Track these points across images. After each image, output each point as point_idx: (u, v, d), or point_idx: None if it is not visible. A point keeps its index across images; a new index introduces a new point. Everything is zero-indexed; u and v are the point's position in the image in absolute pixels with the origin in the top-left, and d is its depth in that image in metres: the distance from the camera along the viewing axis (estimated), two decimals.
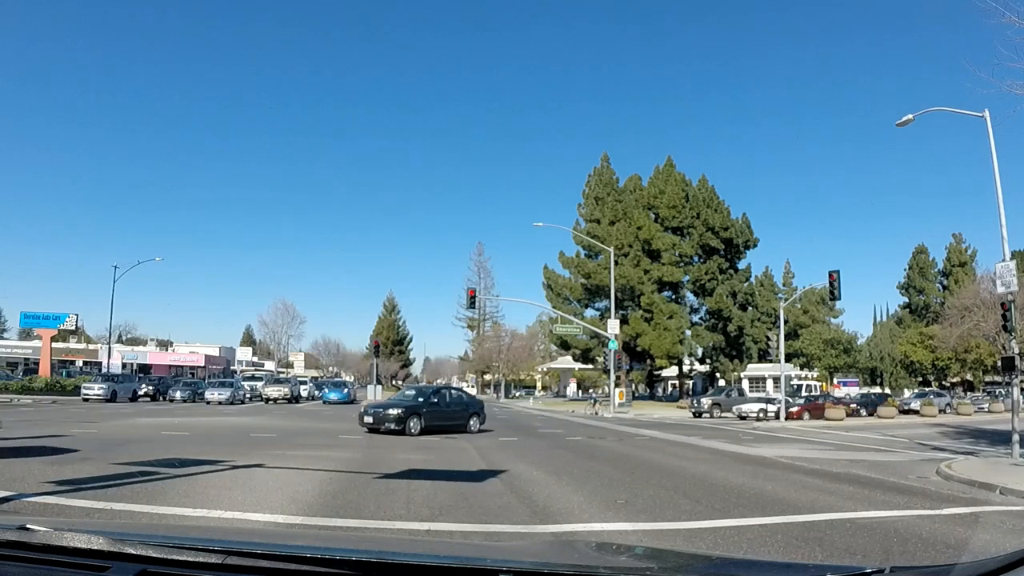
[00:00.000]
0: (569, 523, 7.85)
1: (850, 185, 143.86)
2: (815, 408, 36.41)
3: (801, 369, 74.61)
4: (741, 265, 64.38)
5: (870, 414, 40.07)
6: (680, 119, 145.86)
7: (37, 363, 58.19)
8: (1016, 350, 16.37)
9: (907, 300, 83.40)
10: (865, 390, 60.90)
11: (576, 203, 66.83)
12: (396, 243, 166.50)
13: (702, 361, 67.99)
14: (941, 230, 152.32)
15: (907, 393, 68.72)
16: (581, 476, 12.17)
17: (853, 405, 41.15)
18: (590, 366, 69.76)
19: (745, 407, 37.61)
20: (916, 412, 41.83)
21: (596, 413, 41.44)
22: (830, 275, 32.28)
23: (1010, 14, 14.37)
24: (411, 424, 20.33)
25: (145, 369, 73.83)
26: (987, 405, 48.39)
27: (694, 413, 40.96)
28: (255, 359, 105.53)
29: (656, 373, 63.64)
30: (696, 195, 61.66)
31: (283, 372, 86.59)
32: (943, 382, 69.87)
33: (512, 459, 14.50)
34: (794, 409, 35.39)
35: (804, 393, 44.58)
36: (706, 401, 41.71)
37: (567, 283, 63.70)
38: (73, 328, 60.72)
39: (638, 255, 58.72)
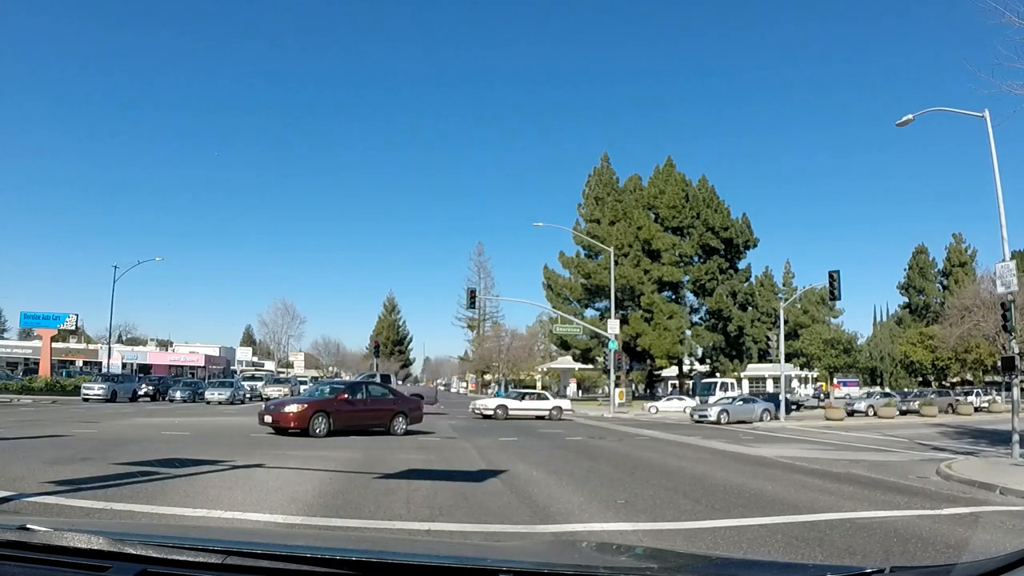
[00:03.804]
0: (569, 523, 7.85)
1: (850, 185, 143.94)
2: None
3: (801, 369, 74.56)
4: (741, 265, 64.42)
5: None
6: (680, 119, 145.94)
7: (37, 363, 58.22)
8: (1016, 350, 16.38)
9: (907, 300, 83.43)
10: (869, 391, 60.84)
11: (576, 203, 66.97)
12: (396, 243, 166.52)
13: (702, 361, 68.02)
14: (941, 230, 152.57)
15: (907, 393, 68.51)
16: (581, 476, 12.17)
17: (767, 408, 35.83)
18: (590, 366, 69.78)
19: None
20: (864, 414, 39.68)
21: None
22: (830, 275, 32.32)
23: (1010, 14, 14.38)
24: None
25: (145, 369, 73.84)
26: (976, 399, 48.14)
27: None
28: (255, 359, 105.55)
29: (656, 373, 63.68)
30: (696, 195, 61.68)
31: (283, 372, 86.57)
32: (943, 382, 69.83)
33: (512, 459, 14.50)
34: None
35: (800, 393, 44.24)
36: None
37: (567, 283, 63.71)
38: (73, 328, 60.73)
39: (638, 255, 58.74)
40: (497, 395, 44.37)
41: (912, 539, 7.30)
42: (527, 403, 34.78)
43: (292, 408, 18.75)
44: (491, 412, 32.85)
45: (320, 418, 18.64)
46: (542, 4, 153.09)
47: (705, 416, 33.17)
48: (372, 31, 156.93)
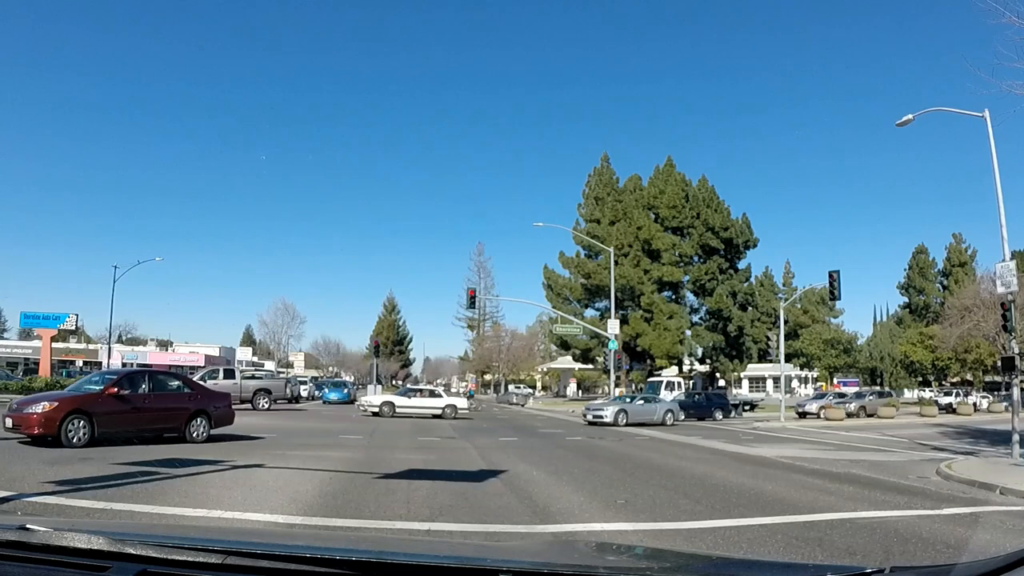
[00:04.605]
0: (569, 523, 7.85)
1: (850, 185, 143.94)
2: None
3: (801, 369, 74.61)
4: (741, 265, 64.44)
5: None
6: (680, 119, 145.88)
7: (37, 363, 58.18)
8: (1016, 350, 16.39)
9: (907, 300, 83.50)
10: (867, 389, 60.72)
11: (576, 203, 67.02)
12: (396, 243, 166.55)
13: (702, 361, 68.04)
14: (941, 230, 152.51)
15: (907, 393, 68.52)
16: (581, 476, 12.17)
17: (670, 410, 32.81)
18: (590, 366, 69.78)
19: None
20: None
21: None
22: (830, 275, 32.34)
23: (1010, 14, 14.40)
24: None
25: None
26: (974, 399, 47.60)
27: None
28: (255, 359, 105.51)
29: (656, 373, 63.63)
30: (696, 195, 61.69)
31: (283, 372, 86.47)
32: (943, 382, 69.88)
33: (512, 459, 14.51)
34: None
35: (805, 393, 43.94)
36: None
37: (567, 283, 63.73)
38: (73, 328, 60.69)
39: (638, 255, 58.76)
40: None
41: (912, 539, 7.30)
42: (416, 400, 33.01)
43: (37, 408, 13.73)
44: (376, 409, 31.70)
45: (77, 421, 13.76)
46: (542, 5, 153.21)
47: (600, 417, 30.10)
48: (371, 32, 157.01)
